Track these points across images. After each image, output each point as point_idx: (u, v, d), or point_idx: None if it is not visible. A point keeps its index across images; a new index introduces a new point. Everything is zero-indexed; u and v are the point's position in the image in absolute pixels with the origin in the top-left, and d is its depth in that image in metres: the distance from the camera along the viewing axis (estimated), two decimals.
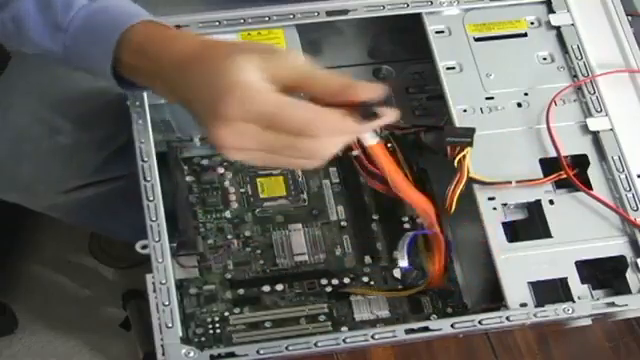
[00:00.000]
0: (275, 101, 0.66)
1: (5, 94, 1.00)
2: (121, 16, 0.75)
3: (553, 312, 0.77)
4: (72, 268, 1.55)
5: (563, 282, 0.79)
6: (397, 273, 0.87)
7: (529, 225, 0.83)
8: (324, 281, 0.86)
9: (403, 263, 0.84)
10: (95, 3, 0.76)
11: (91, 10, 0.76)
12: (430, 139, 0.95)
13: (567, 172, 0.82)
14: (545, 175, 0.84)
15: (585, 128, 0.86)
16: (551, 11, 0.92)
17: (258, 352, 0.74)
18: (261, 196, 0.90)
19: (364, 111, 0.68)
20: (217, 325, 0.84)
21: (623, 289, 0.80)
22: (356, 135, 0.74)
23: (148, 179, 0.80)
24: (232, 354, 0.74)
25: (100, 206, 1.07)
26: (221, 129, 0.66)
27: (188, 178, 0.90)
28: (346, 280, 0.87)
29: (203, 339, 0.83)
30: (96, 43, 0.75)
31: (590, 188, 0.84)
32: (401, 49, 1.00)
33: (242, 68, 0.66)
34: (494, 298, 0.80)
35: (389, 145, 0.92)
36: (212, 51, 0.70)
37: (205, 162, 0.90)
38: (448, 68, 0.89)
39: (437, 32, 0.91)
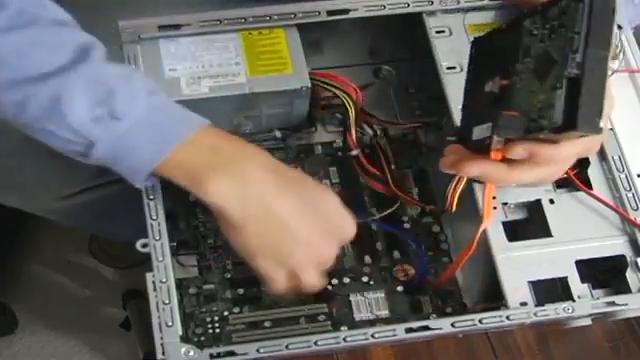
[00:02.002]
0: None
1: None
2: (187, 118, 0.76)
3: (553, 311, 0.77)
4: (72, 268, 1.55)
5: (563, 281, 0.79)
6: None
7: (529, 224, 0.83)
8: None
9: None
10: (155, 98, 0.76)
11: (155, 105, 0.75)
12: (430, 138, 0.95)
13: (567, 172, 0.82)
14: None
15: None
16: None
17: (258, 351, 0.74)
18: None
19: None
20: (217, 324, 0.84)
21: (623, 288, 0.80)
22: None
23: None
24: (232, 353, 0.74)
25: (100, 209, 1.07)
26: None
27: None
28: (346, 280, 0.87)
29: (203, 338, 0.83)
30: (156, 138, 0.74)
31: (590, 188, 0.84)
32: (401, 49, 1.00)
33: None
34: (494, 297, 0.80)
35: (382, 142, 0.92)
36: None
37: None
38: (449, 68, 0.89)
39: (437, 32, 0.91)
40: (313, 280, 0.77)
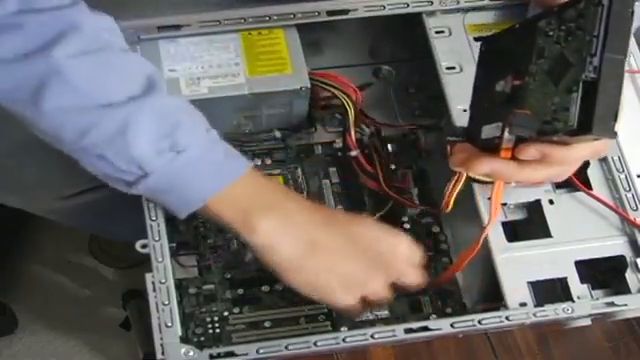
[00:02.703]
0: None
1: None
2: (238, 157, 0.78)
3: (553, 312, 0.77)
4: (72, 268, 1.55)
5: (563, 282, 0.79)
6: None
7: (529, 225, 0.83)
8: None
9: None
10: (212, 133, 0.77)
11: (213, 140, 0.76)
12: (429, 139, 0.95)
13: None
14: None
15: None
16: None
17: (258, 351, 0.74)
18: None
19: None
20: (216, 325, 0.84)
21: (622, 289, 0.80)
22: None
23: None
24: (232, 353, 0.74)
25: (100, 209, 1.07)
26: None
27: None
28: None
29: (202, 339, 0.83)
30: (212, 174, 0.75)
31: (590, 188, 0.84)
32: (401, 49, 1.00)
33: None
34: (494, 298, 0.80)
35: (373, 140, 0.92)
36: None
37: None
38: (448, 68, 0.89)
39: (437, 32, 0.91)
40: (383, 293, 0.78)
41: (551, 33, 0.74)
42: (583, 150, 0.75)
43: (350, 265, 0.77)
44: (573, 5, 0.73)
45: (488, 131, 0.76)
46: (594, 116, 0.68)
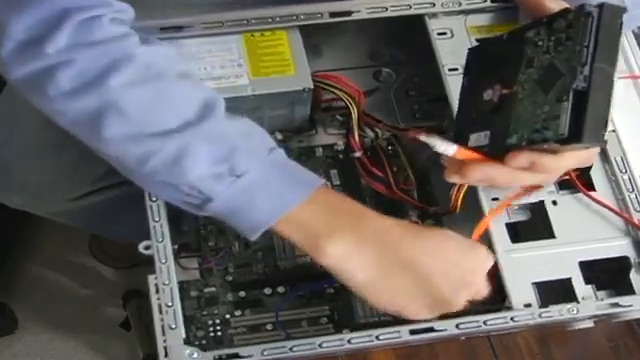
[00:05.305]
0: None
1: (14, 103, 1.00)
2: (306, 177, 0.77)
3: (557, 313, 0.77)
4: (72, 268, 1.55)
5: (567, 283, 0.79)
6: None
7: (532, 226, 0.83)
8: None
9: None
10: (274, 155, 0.77)
11: (275, 162, 0.76)
12: None
13: (570, 173, 0.82)
14: None
15: None
16: None
17: (262, 353, 0.74)
18: None
19: None
20: (218, 328, 0.84)
21: (627, 290, 0.80)
22: None
23: None
24: (236, 355, 0.74)
25: (106, 211, 1.07)
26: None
27: None
28: None
29: (204, 342, 0.83)
30: (275, 197, 0.75)
31: (593, 189, 0.84)
32: (402, 52, 1.00)
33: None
34: (497, 299, 0.80)
35: (389, 148, 0.92)
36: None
37: None
38: (450, 70, 0.89)
39: (439, 34, 0.91)
40: (458, 308, 0.77)
41: (540, 43, 0.75)
42: (571, 159, 0.76)
43: (429, 286, 0.75)
44: (562, 16, 0.74)
45: (476, 140, 0.77)
46: (585, 125, 0.69)
